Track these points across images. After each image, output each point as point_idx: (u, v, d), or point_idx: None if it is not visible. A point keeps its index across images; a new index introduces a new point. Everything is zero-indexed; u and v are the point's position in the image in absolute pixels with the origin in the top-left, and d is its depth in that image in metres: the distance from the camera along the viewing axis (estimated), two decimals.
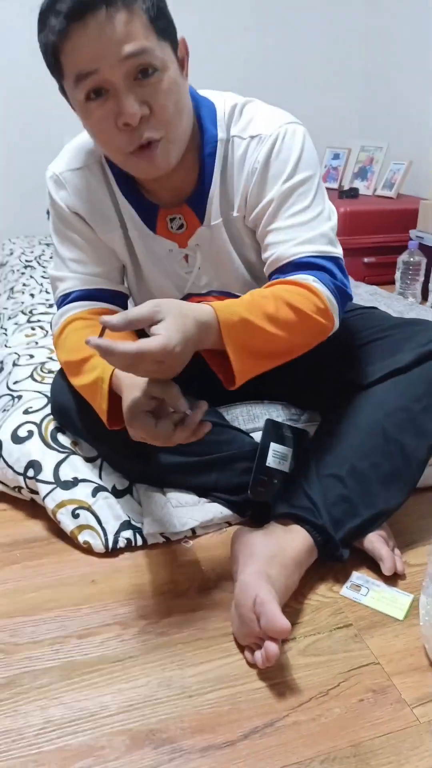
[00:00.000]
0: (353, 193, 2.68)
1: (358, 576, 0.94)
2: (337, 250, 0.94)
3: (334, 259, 0.93)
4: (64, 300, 1.02)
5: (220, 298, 1.04)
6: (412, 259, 2.27)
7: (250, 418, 1.19)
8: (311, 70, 3.05)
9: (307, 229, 0.92)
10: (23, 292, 2.06)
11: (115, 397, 0.87)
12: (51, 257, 2.23)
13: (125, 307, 1.07)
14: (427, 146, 2.69)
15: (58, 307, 1.03)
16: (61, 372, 1.10)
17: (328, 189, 2.85)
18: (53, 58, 0.81)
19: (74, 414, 1.07)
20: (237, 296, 1.02)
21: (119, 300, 1.05)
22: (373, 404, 1.00)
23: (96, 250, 1.02)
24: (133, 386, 0.81)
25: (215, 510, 1.06)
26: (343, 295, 0.93)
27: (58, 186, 1.00)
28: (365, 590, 0.92)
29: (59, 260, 1.04)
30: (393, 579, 0.94)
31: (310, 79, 3.05)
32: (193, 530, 1.05)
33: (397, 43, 2.84)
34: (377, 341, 1.08)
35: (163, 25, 0.82)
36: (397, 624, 0.86)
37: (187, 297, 1.06)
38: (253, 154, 0.93)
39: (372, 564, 0.95)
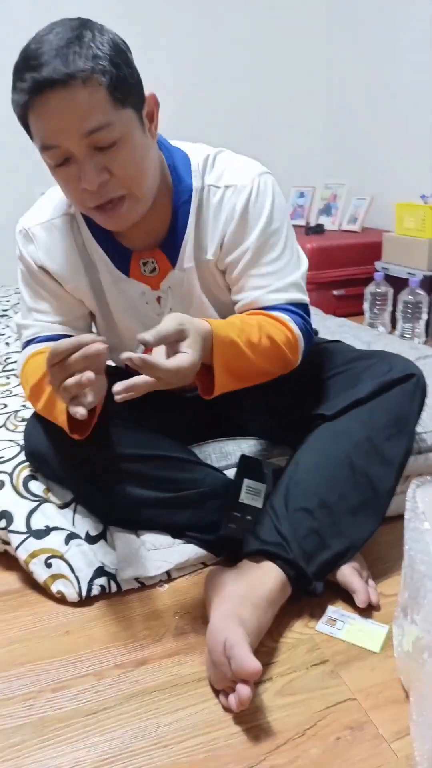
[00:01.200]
0: (319, 229, 2.75)
1: (333, 610, 0.94)
2: (305, 297, 1.03)
3: (302, 306, 1.02)
4: (26, 345, 1.06)
5: None
6: (378, 290, 2.32)
7: (223, 456, 1.20)
8: (276, 114, 3.16)
9: (279, 277, 0.99)
10: None
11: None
12: (14, 306, 2.26)
13: None
14: (386, 181, 2.79)
15: (22, 353, 1.05)
16: (33, 416, 1.10)
17: (295, 226, 2.90)
18: (23, 121, 0.85)
19: (48, 454, 1.07)
20: None
21: None
22: (338, 435, 1.02)
23: (61, 302, 1.05)
24: None
25: (190, 551, 1.06)
26: (309, 338, 1.02)
27: (26, 240, 1.02)
28: (341, 624, 0.92)
29: (25, 309, 1.06)
30: (368, 611, 0.94)
31: (275, 123, 3.16)
32: (168, 573, 1.04)
33: (356, 86, 2.96)
34: (339, 374, 1.11)
35: (124, 94, 0.83)
36: (374, 657, 0.86)
37: None
38: (229, 203, 0.98)
39: (347, 597, 0.95)
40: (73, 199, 0.91)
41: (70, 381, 0.78)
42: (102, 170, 0.85)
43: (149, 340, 0.76)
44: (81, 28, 0.81)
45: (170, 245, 1.00)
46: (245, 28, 3.00)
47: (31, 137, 0.87)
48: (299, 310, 1.01)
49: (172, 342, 0.80)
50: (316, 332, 1.10)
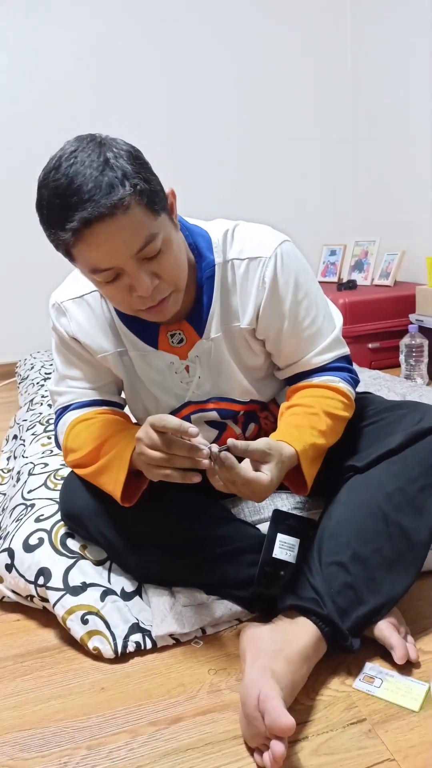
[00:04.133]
0: (351, 284, 2.80)
1: (371, 667, 0.92)
2: (346, 349, 1.12)
3: (346, 358, 1.11)
4: (63, 412, 1.10)
5: (219, 404, 1.11)
6: (413, 342, 2.33)
7: (255, 510, 1.20)
8: (306, 176, 3.28)
9: (320, 338, 1.07)
10: (41, 404, 2.15)
11: (130, 473, 0.96)
12: (51, 373, 2.36)
13: (123, 410, 1.14)
14: (417, 236, 2.84)
15: (57, 419, 1.10)
16: (70, 476, 1.15)
17: (327, 283, 3.00)
18: (65, 252, 0.87)
19: (84, 516, 1.10)
20: (235, 401, 1.10)
21: (116, 407, 1.12)
22: (370, 487, 1.02)
23: (93, 369, 1.10)
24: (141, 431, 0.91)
25: (224, 607, 1.06)
26: (356, 384, 1.12)
27: (59, 313, 1.08)
28: (379, 681, 0.89)
29: (58, 377, 1.12)
30: (407, 668, 0.91)
31: (305, 184, 3.28)
32: (203, 629, 1.04)
33: (382, 145, 3.06)
34: (370, 425, 1.12)
35: (157, 203, 0.86)
36: (413, 716, 0.83)
37: (187, 405, 1.12)
38: (257, 274, 1.02)
39: (385, 653, 0.93)
40: (123, 307, 0.94)
41: (176, 475, 0.87)
42: (153, 276, 0.89)
43: (239, 447, 0.86)
44: (101, 148, 0.82)
45: (196, 317, 1.04)
46: (273, 91, 3.15)
47: (73, 262, 0.89)
48: (344, 363, 1.10)
49: (256, 460, 0.90)
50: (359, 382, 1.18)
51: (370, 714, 0.84)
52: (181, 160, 2.97)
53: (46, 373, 2.58)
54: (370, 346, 2.60)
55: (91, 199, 0.79)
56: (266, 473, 0.89)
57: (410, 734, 0.80)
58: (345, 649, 0.91)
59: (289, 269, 1.03)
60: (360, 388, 1.59)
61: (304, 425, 1.00)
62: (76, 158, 0.81)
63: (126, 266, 0.86)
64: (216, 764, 0.78)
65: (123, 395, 1.17)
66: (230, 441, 0.86)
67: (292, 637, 0.88)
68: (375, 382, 1.92)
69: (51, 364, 2.74)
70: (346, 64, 3.18)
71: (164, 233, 0.88)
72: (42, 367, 2.70)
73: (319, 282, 2.30)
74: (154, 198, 0.86)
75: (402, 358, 2.37)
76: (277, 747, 0.73)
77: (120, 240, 0.83)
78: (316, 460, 1.00)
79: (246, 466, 0.90)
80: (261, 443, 0.90)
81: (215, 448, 0.86)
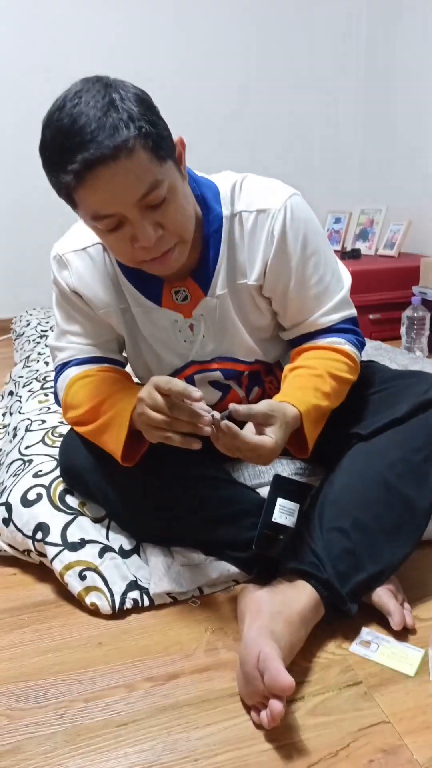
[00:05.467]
0: (355, 254, 2.76)
1: (367, 632, 0.93)
2: (353, 311, 1.09)
3: (352, 320, 1.08)
4: (63, 367, 1.07)
5: (223, 364, 1.09)
6: (416, 314, 2.31)
7: (256, 474, 1.20)
8: (313, 140, 3.21)
9: (328, 297, 1.05)
10: (38, 361, 2.12)
11: (131, 433, 0.94)
12: (52, 328, 2.32)
13: (124, 369, 1.12)
14: (425, 206, 2.79)
15: (57, 375, 1.08)
16: (69, 433, 1.13)
17: None
18: (66, 196, 0.84)
19: (84, 472, 1.09)
20: (240, 360, 1.07)
21: (117, 365, 1.10)
22: (373, 455, 1.01)
23: (94, 325, 1.07)
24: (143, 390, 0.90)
25: (222, 568, 1.06)
26: (362, 347, 1.10)
27: (60, 266, 1.05)
28: (375, 646, 0.90)
29: (59, 331, 1.09)
30: (403, 634, 0.92)
31: (312, 148, 3.21)
32: (200, 589, 1.04)
33: (392, 113, 2.99)
34: (376, 393, 1.11)
35: (163, 149, 0.83)
36: (409, 680, 0.84)
37: (190, 364, 1.10)
38: (266, 227, 0.99)
39: (382, 619, 0.94)
40: (126, 258, 0.91)
41: (176, 438, 0.86)
42: (156, 226, 0.86)
43: (241, 411, 0.84)
44: (107, 89, 0.79)
45: (202, 273, 1.01)
46: (282, 55, 3.06)
47: (74, 208, 0.86)
48: (350, 325, 1.07)
49: (259, 424, 0.88)
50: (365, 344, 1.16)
51: (366, 677, 0.85)
52: (186, 116, 2.88)
53: (42, 331, 2.55)
54: (371, 317, 2.58)
55: (94, 140, 0.76)
56: (270, 436, 0.87)
57: (405, 698, 0.81)
58: (343, 613, 0.91)
59: (299, 223, 1.00)
60: (363, 358, 1.58)
61: (307, 387, 0.98)
62: (81, 98, 0.78)
63: (129, 213, 0.83)
64: (213, 720, 0.79)
65: (125, 353, 1.15)
66: (232, 406, 0.85)
67: (292, 599, 0.89)
68: (377, 352, 1.90)
69: (47, 321, 2.70)
70: (360, 29, 3.07)
71: (170, 181, 0.85)
72: (38, 324, 2.66)
73: None
74: (161, 143, 0.82)
75: (403, 330, 2.35)
76: (276, 705, 0.74)
77: (123, 184, 0.80)
78: (318, 422, 0.98)
79: (249, 430, 0.89)
80: (263, 405, 0.88)
81: (217, 414, 0.84)
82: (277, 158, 3.12)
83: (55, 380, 1.11)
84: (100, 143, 0.76)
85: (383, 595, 0.94)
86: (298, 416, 0.93)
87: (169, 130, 0.86)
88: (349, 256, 2.75)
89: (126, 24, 2.82)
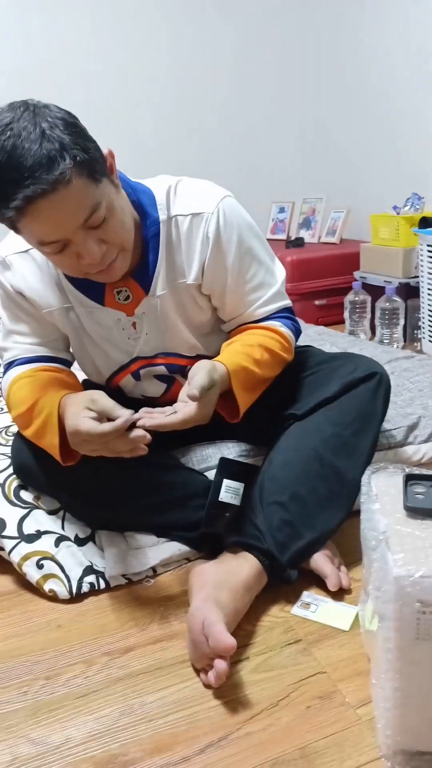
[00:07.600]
0: (299, 242, 2.84)
1: (307, 594, 1.01)
2: (288, 301, 1.16)
3: (288, 309, 1.16)
4: (8, 367, 1.12)
5: (167, 359, 1.14)
6: (357, 298, 2.40)
7: (203, 459, 1.26)
8: (255, 132, 3.26)
9: (262, 291, 1.11)
10: None
11: (64, 433, 0.97)
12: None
13: (69, 368, 1.16)
14: (362, 194, 2.89)
15: (3, 374, 1.12)
16: (19, 432, 1.17)
17: (276, 240, 3.03)
18: (10, 226, 0.88)
19: (35, 469, 1.13)
20: (183, 356, 1.13)
21: (62, 363, 1.14)
22: (308, 433, 1.09)
23: (39, 324, 1.11)
24: (74, 405, 0.95)
25: (174, 548, 1.12)
26: (297, 333, 1.18)
27: (4, 268, 1.08)
28: (314, 607, 0.98)
29: (5, 332, 1.13)
30: (340, 594, 1.00)
31: (255, 141, 3.27)
32: (153, 569, 1.11)
33: (332, 103, 3.07)
34: (310, 376, 1.19)
35: (97, 171, 0.86)
36: (343, 635, 0.92)
37: (135, 360, 1.15)
38: (201, 229, 1.04)
39: (321, 583, 1.02)
40: (72, 272, 0.96)
41: (126, 455, 0.93)
42: (100, 242, 0.90)
43: (197, 395, 0.88)
44: (36, 118, 0.81)
45: (142, 274, 1.06)
46: (223, 46, 3.09)
47: (18, 233, 0.90)
48: (285, 313, 1.15)
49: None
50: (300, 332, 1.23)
51: (305, 635, 0.93)
52: (128, 122, 2.91)
53: None
54: (316, 302, 2.67)
55: (32, 176, 0.79)
56: (187, 401, 0.92)
57: (340, 650, 0.89)
58: (284, 579, 0.99)
59: (232, 224, 1.06)
60: (305, 342, 1.66)
61: (238, 351, 1.04)
62: (12, 131, 0.80)
63: (73, 237, 0.87)
64: (165, 685, 0.86)
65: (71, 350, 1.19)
66: (189, 393, 0.89)
67: (235, 569, 0.96)
68: (319, 336, 1.99)
69: None
70: (299, 18, 3.14)
71: (107, 200, 0.89)
72: None
73: (268, 239, 2.33)
74: (95, 166, 0.85)
75: (346, 314, 2.45)
76: (220, 665, 0.81)
77: (65, 213, 0.84)
78: (249, 387, 1.03)
79: (172, 414, 0.92)
80: (203, 375, 0.92)
81: (139, 426, 0.90)
82: (219, 150, 3.16)
83: (2, 380, 1.15)
84: (38, 179, 0.79)
85: (320, 560, 1.02)
86: (225, 373, 0.98)
87: (99, 149, 0.89)
88: (294, 244, 2.83)
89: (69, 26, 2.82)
